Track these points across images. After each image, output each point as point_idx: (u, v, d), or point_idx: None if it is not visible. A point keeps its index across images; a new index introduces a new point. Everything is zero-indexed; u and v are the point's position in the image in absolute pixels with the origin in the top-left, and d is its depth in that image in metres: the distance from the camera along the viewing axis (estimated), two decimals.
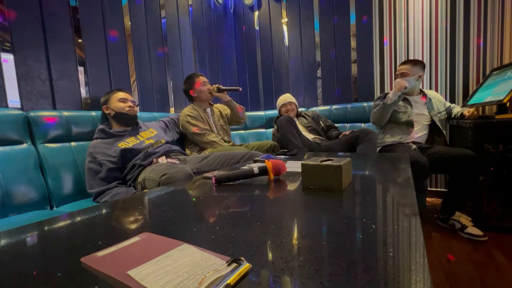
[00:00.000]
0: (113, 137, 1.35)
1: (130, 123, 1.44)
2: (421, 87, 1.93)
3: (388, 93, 1.80)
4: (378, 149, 1.78)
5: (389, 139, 1.79)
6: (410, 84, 1.72)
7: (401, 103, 1.79)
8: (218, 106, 2.00)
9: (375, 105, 1.83)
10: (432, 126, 1.78)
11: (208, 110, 1.88)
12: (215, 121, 1.87)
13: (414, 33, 2.13)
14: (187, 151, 1.79)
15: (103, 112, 1.44)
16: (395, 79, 1.81)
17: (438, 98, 1.86)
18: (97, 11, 1.57)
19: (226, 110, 1.99)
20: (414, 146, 1.64)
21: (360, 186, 0.67)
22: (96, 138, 1.33)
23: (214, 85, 1.85)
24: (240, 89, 1.89)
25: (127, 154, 1.30)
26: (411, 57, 2.15)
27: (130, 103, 1.43)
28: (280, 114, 2.24)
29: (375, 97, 2.30)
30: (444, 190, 2.08)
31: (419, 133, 1.77)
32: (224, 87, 1.84)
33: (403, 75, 1.77)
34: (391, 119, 1.79)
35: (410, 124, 1.75)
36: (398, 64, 2.20)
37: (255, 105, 2.85)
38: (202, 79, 1.85)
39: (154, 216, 0.55)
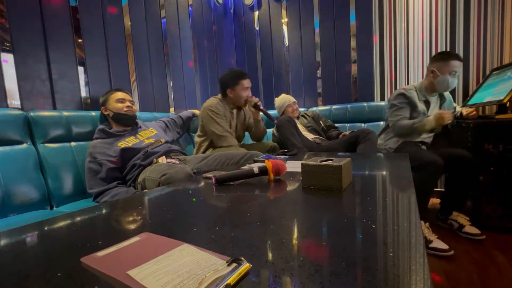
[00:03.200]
0: (113, 137, 1.35)
1: (129, 123, 1.44)
2: None
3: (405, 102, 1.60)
4: (387, 146, 1.72)
5: (393, 143, 1.69)
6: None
7: (421, 108, 1.64)
8: (245, 110, 1.86)
9: (400, 115, 1.61)
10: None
11: (235, 111, 1.76)
12: (237, 124, 1.77)
13: (414, 33, 2.13)
14: (198, 143, 1.73)
15: (102, 113, 1.44)
16: (451, 75, 1.55)
17: (449, 99, 1.77)
18: (97, 11, 1.57)
19: (251, 119, 1.85)
20: (423, 147, 1.63)
21: (360, 186, 0.67)
22: (96, 138, 1.33)
23: (254, 98, 1.70)
24: (275, 121, 1.75)
25: (127, 154, 1.30)
26: (411, 58, 2.15)
27: (128, 103, 1.42)
28: (284, 114, 2.22)
29: (378, 99, 2.30)
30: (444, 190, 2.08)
31: (429, 133, 1.71)
32: (261, 108, 1.69)
33: (452, 74, 1.56)
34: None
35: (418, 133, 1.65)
36: (398, 64, 2.20)
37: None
38: (247, 83, 1.70)
39: (154, 216, 0.55)
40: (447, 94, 1.79)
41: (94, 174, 1.24)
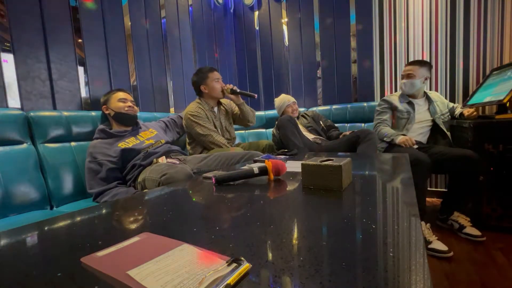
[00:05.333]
0: (113, 137, 1.35)
1: (130, 123, 1.44)
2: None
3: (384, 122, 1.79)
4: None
5: (384, 143, 1.78)
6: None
7: (403, 108, 1.78)
8: (225, 104, 1.89)
9: (379, 118, 1.83)
10: (435, 127, 1.77)
11: (215, 109, 1.78)
12: (221, 122, 1.78)
13: (414, 33, 2.13)
14: (189, 151, 1.75)
15: (103, 112, 1.44)
16: (402, 79, 1.80)
17: (441, 101, 1.84)
18: (97, 11, 1.57)
19: (235, 109, 1.88)
20: (415, 146, 1.63)
21: (360, 186, 0.67)
22: (96, 138, 1.33)
23: (228, 85, 1.74)
24: (256, 96, 1.78)
25: (127, 154, 1.30)
26: (411, 57, 2.15)
27: (129, 103, 1.43)
28: (283, 114, 2.21)
29: (377, 99, 2.30)
30: (444, 190, 2.08)
31: (419, 131, 1.76)
32: (239, 90, 1.73)
33: (409, 76, 1.74)
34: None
35: (404, 133, 1.74)
36: (398, 63, 2.21)
37: (255, 105, 2.85)
38: (216, 75, 1.74)
39: (154, 216, 0.55)
40: (436, 95, 1.88)
41: (94, 174, 1.24)
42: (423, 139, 1.77)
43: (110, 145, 1.31)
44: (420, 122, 1.76)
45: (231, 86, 1.74)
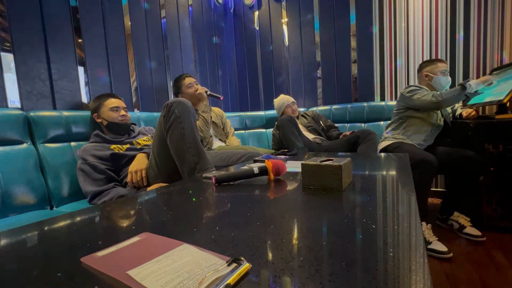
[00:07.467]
0: (109, 142, 1.30)
1: (124, 132, 1.38)
2: None
3: (421, 87, 1.63)
4: (382, 147, 1.70)
5: (406, 140, 1.65)
6: (494, 82, 1.58)
7: None
8: (216, 113, 1.94)
9: (422, 94, 1.59)
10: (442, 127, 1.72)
11: (200, 111, 1.78)
12: (206, 118, 1.77)
13: (414, 33, 2.13)
14: None
15: (93, 119, 1.36)
16: (436, 75, 1.66)
17: None
18: (97, 11, 1.57)
19: (223, 119, 1.97)
20: (419, 145, 1.62)
21: (360, 186, 0.67)
22: (91, 142, 1.28)
23: (201, 89, 1.78)
24: (222, 97, 1.88)
25: (119, 159, 1.25)
26: (411, 57, 2.15)
27: (122, 111, 1.36)
28: (283, 114, 2.21)
29: (377, 99, 2.30)
30: (444, 190, 2.08)
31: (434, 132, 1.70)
32: (209, 93, 1.81)
33: (443, 73, 1.67)
34: (423, 117, 1.65)
35: (438, 128, 1.66)
36: (398, 63, 2.21)
37: (255, 105, 2.85)
38: (187, 81, 1.80)
39: (154, 216, 0.55)
40: None
41: (86, 175, 1.18)
42: (432, 140, 1.69)
43: (102, 148, 1.25)
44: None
45: (203, 90, 1.78)
